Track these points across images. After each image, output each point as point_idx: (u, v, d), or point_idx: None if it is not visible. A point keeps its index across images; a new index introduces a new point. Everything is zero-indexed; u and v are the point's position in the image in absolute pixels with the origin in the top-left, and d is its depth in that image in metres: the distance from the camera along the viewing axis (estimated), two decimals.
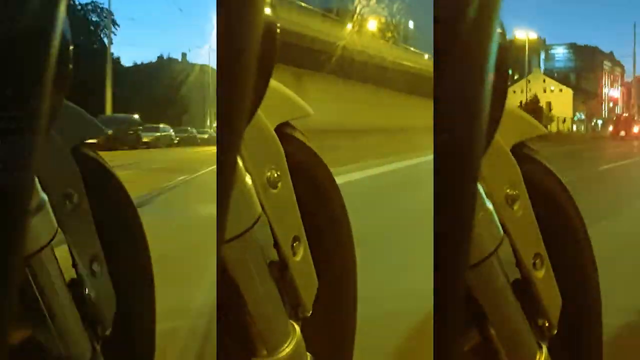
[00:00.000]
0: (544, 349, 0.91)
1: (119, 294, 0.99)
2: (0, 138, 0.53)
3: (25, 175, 0.58)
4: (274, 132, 0.89)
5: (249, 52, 0.59)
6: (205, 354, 1.64)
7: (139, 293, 1.06)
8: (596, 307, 0.97)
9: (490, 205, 0.85)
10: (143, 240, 1.06)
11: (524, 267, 0.89)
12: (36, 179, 0.86)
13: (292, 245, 0.90)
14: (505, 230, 0.86)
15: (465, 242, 0.60)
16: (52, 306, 0.90)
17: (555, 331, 0.92)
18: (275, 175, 0.88)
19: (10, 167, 0.55)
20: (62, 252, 0.93)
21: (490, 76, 0.57)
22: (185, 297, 2.16)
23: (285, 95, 0.92)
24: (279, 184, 0.88)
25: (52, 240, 0.87)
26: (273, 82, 0.82)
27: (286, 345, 0.90)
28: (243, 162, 0.84)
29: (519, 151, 0.90)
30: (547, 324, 0.91)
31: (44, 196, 0.87)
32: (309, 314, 0.93)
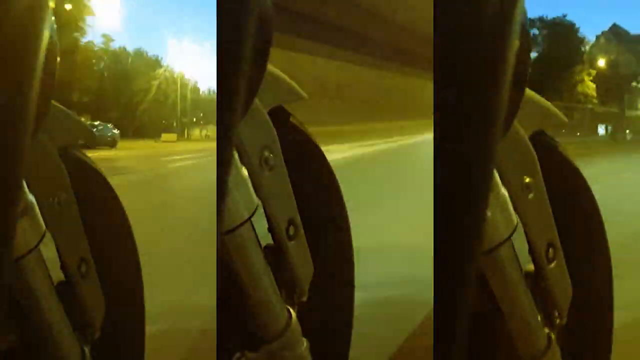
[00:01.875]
0: (553, 339, 0.91)
1: (107, 296, 0.99)
2: None
3: (13, 177, 0.58)
4: (267, 116, 0.88)
5: (248, 42, 0.59)
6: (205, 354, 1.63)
7: (128, 295, 1.06)
8: (607, 299, 0.96)
9: (505, 192, 0.84)
10: (132, 242, 1.05)
11: (537, 256, 0.89)
12: (24, 182, 0.85)
13: (287, 229, 0.89)
14: (520, 219, 0.86)
15: (476, 229, 0.59)
16: (40, 309, 0.89)
17: (565, 321, 0.91)
18: (270, 158, 0.87)
19: None
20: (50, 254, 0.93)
21: (509, 61, 0.56)
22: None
23: (279, 79, 0.91)
24: (273, 167, 0.88)
25: (39, 242, 0.87)
26: (267, 66, 0.82)
27: (282, 330, 0.89)
28: (238, 149, 0.84)
29: (538, 139, 0.90)
30: (557, 314, 0.91)
31: (32, 198, 0.87)
32: (305, 299, 0.93)
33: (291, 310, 0.91)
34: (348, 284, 1.01)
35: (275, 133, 0.89)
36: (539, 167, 0.88)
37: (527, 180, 0.87)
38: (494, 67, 0.55)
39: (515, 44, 0.56)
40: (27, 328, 0.89)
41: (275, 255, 0.89)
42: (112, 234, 1.03)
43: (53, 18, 0.64)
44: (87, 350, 0.95)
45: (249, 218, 0.84)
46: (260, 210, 0.88)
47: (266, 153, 0.87)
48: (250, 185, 0.85)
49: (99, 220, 1.00)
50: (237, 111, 0.61)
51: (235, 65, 0.58)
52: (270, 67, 0.85)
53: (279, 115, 0.92)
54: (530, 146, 0.88)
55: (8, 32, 0.52)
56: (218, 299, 0.78)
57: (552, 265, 0.89)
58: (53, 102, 0.86)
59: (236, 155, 0.84)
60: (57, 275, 0.94)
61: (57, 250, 0.93)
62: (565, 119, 0.96)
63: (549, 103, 0.94)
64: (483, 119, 0.56)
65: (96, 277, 0.97)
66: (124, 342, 1.05)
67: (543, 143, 0.91)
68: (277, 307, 0.89)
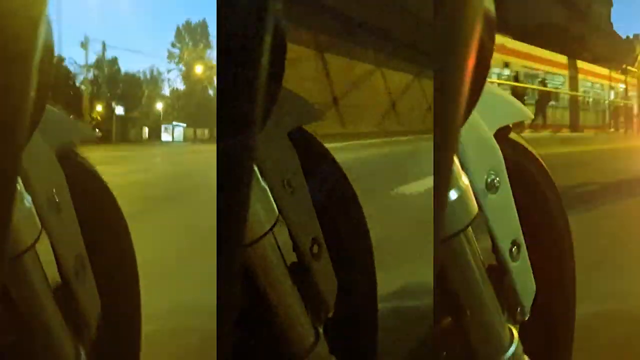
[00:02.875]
0: (515, 334, 0.92)
1: (104, 296, 0.99)
2: None
3: (8, 177, 0.58)
4: (288, 139, 0.90)
5: (253, 47, 0.58)
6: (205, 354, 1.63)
7: (125, 295, 1.06)
8: (570, 295, 0.99)
9: (466, 187, 0.85)
10: (128, 242, 1.06)
11: (501, 253, 0.90)
12: (19, 181, 0.85)
13: (311, 248, 0.91)
14: (483, 215, 0.87)
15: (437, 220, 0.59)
16: (36, 310, 0.89)
17: (527, 317, 0.92)
18: (291, 179, 0.89)
19: None
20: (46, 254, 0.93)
21: (469, 60, 0.57)
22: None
23: (297, 100, 0.93)
24: (296, 188, 0.89)
25: (35, 242, 0.87)
26: (286, 88, 0.83)
27: (311, 347, 0.90)
28: (259, 167, 0.85)
29: (502, 135, 0.91)
30: (519, 310, 0.92)
31: (28, 197, 0.87)
32: (330, 315, 0.94)
33: (318, 327, 0.92)
34: (371, 298, 1.02)
35: (297, 156, 0.90)
36: (504, 164, 0.89)
37: (492, 177, 0.88)
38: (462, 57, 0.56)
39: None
40: (22, 328, 0.89)
41: (299, 273, 0.91)
42: (108, 234, 1.04)
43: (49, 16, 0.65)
44: (82, 350, 0.95)
45: (271, 229, 0.85)
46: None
47: (288, 176, 0.88)
48: (270, 196, 0.86)
49: (96, 220, 1.01)
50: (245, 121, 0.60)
51: (237, 60, 0.58)
52: (286, 89, 0.86)
53: (298, 134, 0.93)
54: (495, 143, 0.89)
55: (3, 30, 0.52)
56: (218, 299, 0.78)
57: (516, 262, 0.90)
58: (49, 102, 0.87)
59: (256, 168, 0.84)
60: (53, 275, 0.94)
61: (53, 250, 0.94)
62: (531, 114, 0.96)
63: (513, 98, 0.94)
64: (447, 108, 0.57)
65: (92, 278, 0.97)
66: (120, 343, 1.05)
67: (507, 139, 0.92)
68: (304, 324, 0.90)
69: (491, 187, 0.88)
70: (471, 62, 0.56)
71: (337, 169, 0.99)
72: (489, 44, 0.69)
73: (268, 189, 0.85)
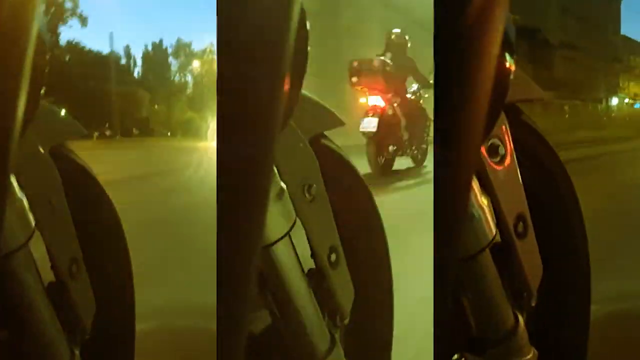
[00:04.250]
0: (521, 320, 0.90)
1: (98, 296, 0.98)
2: None
3: (0, 175, 0.57)
4: (308, 144, 0.89)
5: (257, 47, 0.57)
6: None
7: (119, 295, 1.05)
8: (584, 275, 0.96)
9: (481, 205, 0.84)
10: (122, 241, 1.05)
11: (506, 230, 0.88)
12: (14, 179, 0.85)
13: (329, 255, 0.91)
14: (489, 192, 0.86)
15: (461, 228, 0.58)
16: (29, 308, 0.89)
17: (535, 301, 0.90)
18: (311, 186, 0.88)
19: None
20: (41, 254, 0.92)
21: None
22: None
23: (319, 107, 0.92)
24: (315, 195, 0.89)
25: (28, 240, 0.86)
26: (307, 94, 0.83)
27: (325, 353, 0.90)
28: (278, 172, 0.85)
29: (512, 115, 0.90)
30: (526, 293, 0.90)
31: (21, 196, 0.86)
32: (346, 322, 0.94)
33: (334, 333, 0.92)
34: (386, 305, 1.02)
35: (318, 163, 0.89)
36: (511, 142, 0.87)
37: (499, 152, 0.86)
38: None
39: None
40: (15, 327, 0.88)
41: (317, 279, 0.90)
42: (102, 233, 1.03)
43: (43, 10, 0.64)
44: (76, 351, 0.95)
45: (287, 233, 0.84)
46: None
47: (309, 183, 0.88)
48: (289, 200, 0.85)
49: (90, 219, 1.00)
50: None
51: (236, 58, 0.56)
52: (309, 95, 0.87)
53: (319, 141, 0.93)
54: (505, 119, 0.87)
55: None
56: (218, 298, 0.77)
57: (523, 240, 0.88)
58: (42, 99, 0.86)
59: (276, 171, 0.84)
60: (47, 276, 0.93)
61: (48, 250, 0.93)
62: (542, 93, 0.93)
63: (524, 75, 0.92)
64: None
65: (87, 278, 0.97)
66: (113, 343, 1.04)
67: (518, 119, 0.91)
68: (320, 329, 0.90)
69: (498, 161, 0.86)
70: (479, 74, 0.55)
71: (357, 177, 0.98)
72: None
73: (287, 193, 0.85)
